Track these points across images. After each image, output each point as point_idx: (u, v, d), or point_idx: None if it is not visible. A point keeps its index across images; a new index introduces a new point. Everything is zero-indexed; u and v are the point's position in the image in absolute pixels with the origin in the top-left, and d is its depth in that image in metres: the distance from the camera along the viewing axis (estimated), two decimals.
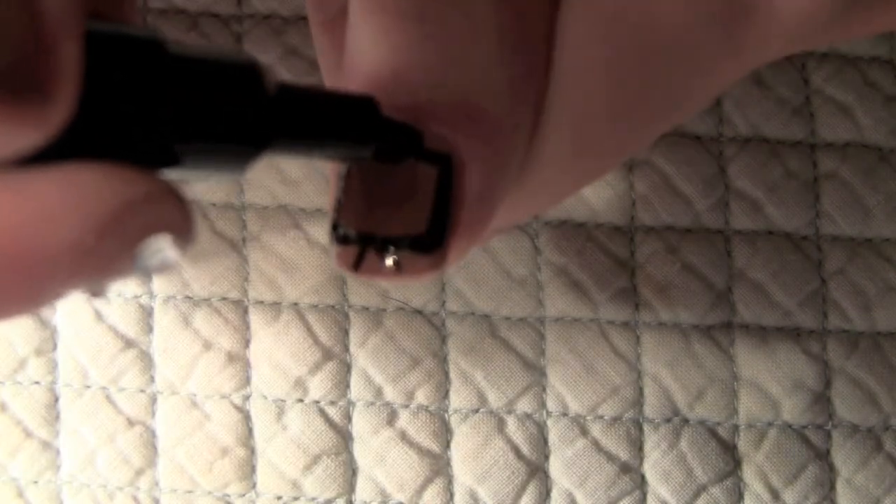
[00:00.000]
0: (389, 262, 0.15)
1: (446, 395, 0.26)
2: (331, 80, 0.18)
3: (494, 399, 0.25)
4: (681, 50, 0.14)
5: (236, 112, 0.12)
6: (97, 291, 0.12)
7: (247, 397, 0.26)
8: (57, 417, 0.26)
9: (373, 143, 0.14)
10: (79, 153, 0.11)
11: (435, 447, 0.25)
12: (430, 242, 0.15)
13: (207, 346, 0.26)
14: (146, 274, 0.12)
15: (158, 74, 0.11)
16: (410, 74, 0.14)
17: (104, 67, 0.11)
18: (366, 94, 0.14)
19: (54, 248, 0.10)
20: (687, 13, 0.14)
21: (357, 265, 0.15)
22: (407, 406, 0.26)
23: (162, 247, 0.11)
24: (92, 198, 0.11)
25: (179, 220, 0.11)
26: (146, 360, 0.26)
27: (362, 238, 0.15)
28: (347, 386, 0.26)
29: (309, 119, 0.13)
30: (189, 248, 0.12)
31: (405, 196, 0.15)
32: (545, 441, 0.25)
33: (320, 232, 0.26)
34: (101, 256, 0.11)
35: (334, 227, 0.15)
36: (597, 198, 0.26)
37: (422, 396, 0.25)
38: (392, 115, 0.14)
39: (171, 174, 0.12)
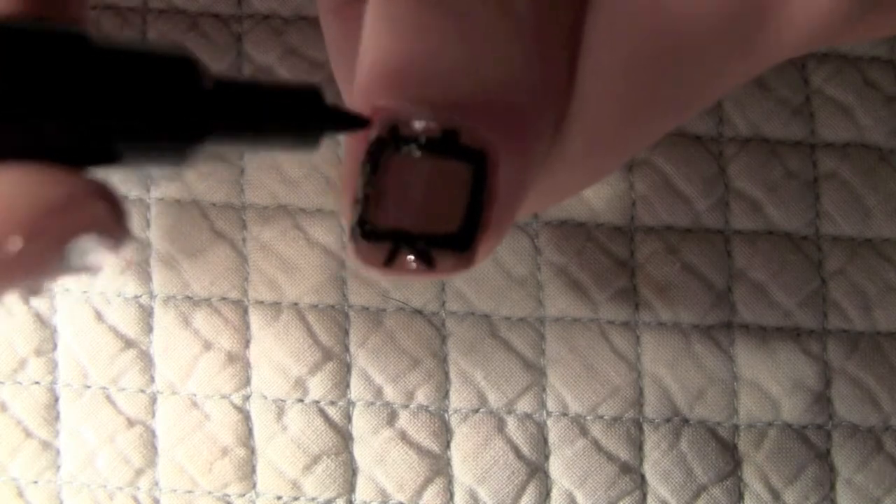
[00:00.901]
0: (415, 260, 0.15)
1: (446, 395, 0.26)
2: (340, 68, 0.18)
3: (494, 399, 0.25)
4: (695, 52, 0.14)
5: (168, 104, 0.12)
6: (33, 291, 0.12)
7: (247, 397, 0.26)
8: (57, 417, 0.26)
9: (319, 134, 0.14)
10: (2, 154, 0.11)
11: (435, 447, 0.25)
12: (463, 240, 0.14)
13: (207, 346, 0.26)
14: (76, 274, 0.12)
15: (80, 68, 0.11)
16: (446, 70, 0.14)
17: (21, 63, 0.11)
18: (309, 84, 0.14)
19: None
20: (704, 17, 0.14)
21: (388, 262, 0.15)
22: (407, 406, 0.26)
23: (89, 247, 0.11)
24: (14, 200, 0.10)
25: (108, 220, 0.11)
26: (146, 360, 0.26)
27: (395, 235, 0.15)
28: (347, 386, 0.26)
29: (248, 109, 0.13)
30: (121, 248, 0.12)
31: (434, 193, 0.14)
32: (545, 441, 0.25)
33: (320, 232, 0.26)
34: (27, 258, 0.11)
35: (361, 224, 0.15)
36: (597, 198, 0.26)
37: (422, 396, 0.25)
38: (423, 109, 0.14)
39: (111, 170, 0.12)
